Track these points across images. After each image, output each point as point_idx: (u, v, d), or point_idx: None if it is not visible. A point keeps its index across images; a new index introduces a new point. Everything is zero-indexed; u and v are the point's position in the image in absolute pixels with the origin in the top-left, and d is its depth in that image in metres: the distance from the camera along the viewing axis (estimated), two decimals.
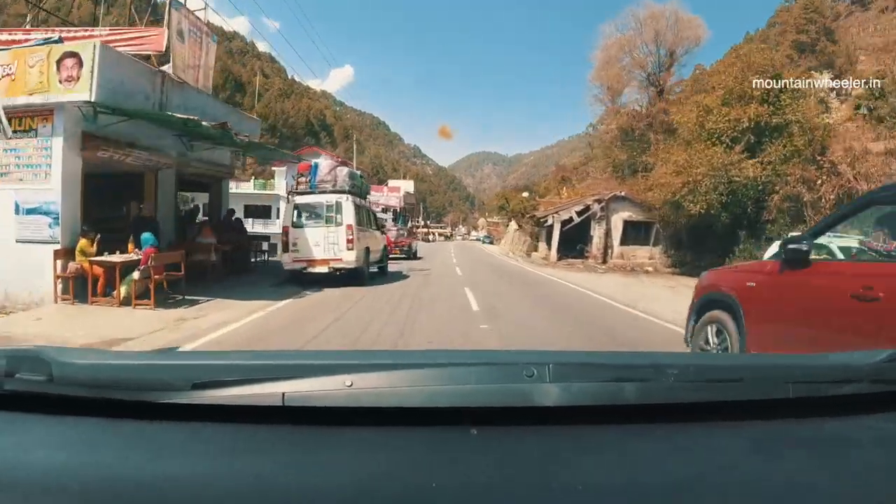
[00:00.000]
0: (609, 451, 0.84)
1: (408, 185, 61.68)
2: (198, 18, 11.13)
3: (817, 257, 4.17)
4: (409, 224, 58.87)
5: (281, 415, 0.86)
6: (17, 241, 8.13)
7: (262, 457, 0.80)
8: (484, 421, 0.87)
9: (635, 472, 0.79)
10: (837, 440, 0.91)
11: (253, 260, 14.24)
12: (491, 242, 64.60)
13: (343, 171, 12.23)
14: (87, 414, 0.87)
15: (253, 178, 44.18)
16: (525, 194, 46.28)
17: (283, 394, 0.85)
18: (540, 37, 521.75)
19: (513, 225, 46.39)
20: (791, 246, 3.34)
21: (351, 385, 0.87)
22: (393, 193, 56.85)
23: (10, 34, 10.45)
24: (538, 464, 0.79)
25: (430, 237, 65.74)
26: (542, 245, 28.01)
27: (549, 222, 26.02)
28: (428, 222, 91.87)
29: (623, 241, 24.28)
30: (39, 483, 0.74)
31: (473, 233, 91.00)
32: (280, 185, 40.85)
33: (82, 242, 8.10)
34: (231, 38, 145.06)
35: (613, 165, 28.69)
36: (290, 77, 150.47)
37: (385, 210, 43.22)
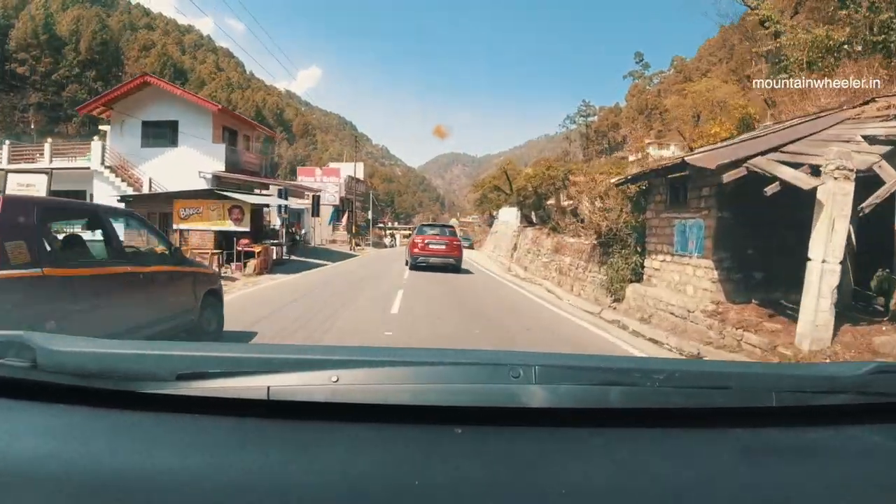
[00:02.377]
0: (594, 455, 0.80)
1: (354, 169, 42.57)
2: None
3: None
4: (347, 219, 40.56)
5: (266, 408, 0.81)
6: None
7: (247, 450, 0.76)
8: (469, 420, 0.83)
9: (620, 476, 0.76)
10: (821, 450, 0.87)
11: None
12: (470, 246, 46.70)
13: None
14: (71, 402, 0.83)
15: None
16: (528, 170, 27.51)
17: (269, 387, 0.81)
18: (508, 37, 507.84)
19: (511, 219, 28.22)
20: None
21: (337, 381, 0.82)
22: (330, 178, 37.88)
23: None
24: (522, 465, 0.76)
25: (387, 240, 47.01)
26: (677, 266, 8.21)
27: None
28: (387, 221, 72.57)
29: None
30: (22, 470, 0.70)
31: None
32: (100, 152, 21.56)
33: None
34: (185, 32, 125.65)
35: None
36: (248, 72, 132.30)
37: (277, 194, 23.71)
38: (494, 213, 56.79)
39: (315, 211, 26.92)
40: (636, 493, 0.73)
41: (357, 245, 35.91)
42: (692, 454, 0.82)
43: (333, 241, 34.47)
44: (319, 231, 32.68)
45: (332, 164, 45.43)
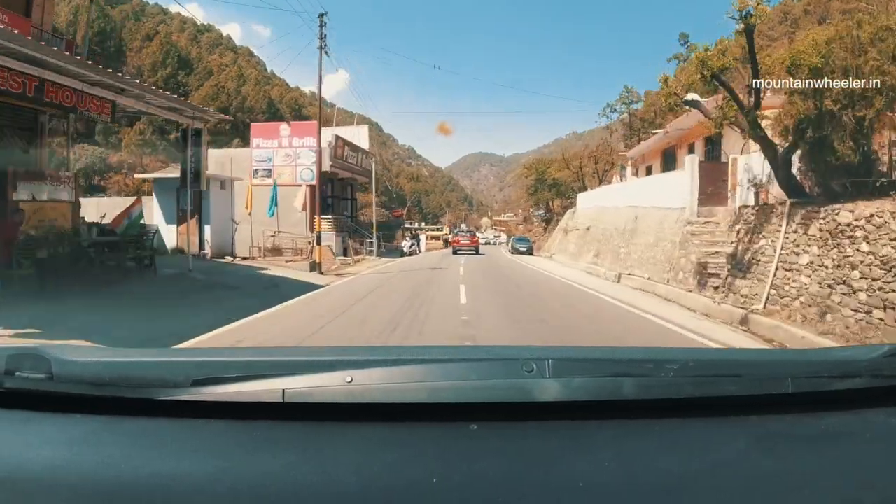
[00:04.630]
0: (608, 447, 0.77)
1: (353, 133, 26.28)
2: None
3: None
4: (308, 206, 23.26)
5: (281, 411, 0.80)
6: None
7: (264, 453, 0.74)
8: (484, 416, 0.80)
9: (635, 468, 0.73)
10: (837, 435, 0.83)
11: None
12: (529, 251, 31.07)
13: None
14: (87, 411, 0.82)
15: None
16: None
17: (284, 390, 0.79)
18: (534, 36, 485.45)
19: (673, 195, 11.96)
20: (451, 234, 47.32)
21: (351, 381, 0.81)
22: (304, 139, 21.77)
23: None
24: (538, 459, 0.74)
25: (405, 243, 31.42)
26: None
27: None
28: (402, 214, 56.22)
29: None
30: (41, 481, 0.69)
31: (480, 234, 55.34)
32: None
33: None
34: (203, 31, 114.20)
35: None
36: (269, 71, 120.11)
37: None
38: (551, 203, 41.62)
39: (192, 180, 10.75)
40: (652, 485, 0.69)
41: (355, 254, 20.26)
42: (707, 444, 0.79)
43: (277, 251, 18.70)
44: (252, 228, 17.13)
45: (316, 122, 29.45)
